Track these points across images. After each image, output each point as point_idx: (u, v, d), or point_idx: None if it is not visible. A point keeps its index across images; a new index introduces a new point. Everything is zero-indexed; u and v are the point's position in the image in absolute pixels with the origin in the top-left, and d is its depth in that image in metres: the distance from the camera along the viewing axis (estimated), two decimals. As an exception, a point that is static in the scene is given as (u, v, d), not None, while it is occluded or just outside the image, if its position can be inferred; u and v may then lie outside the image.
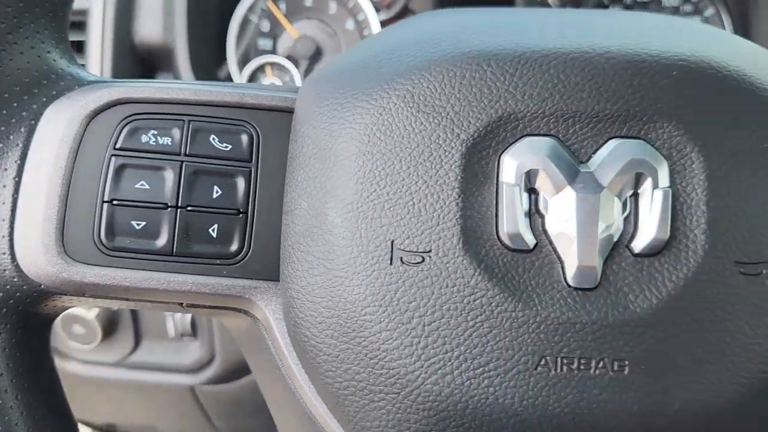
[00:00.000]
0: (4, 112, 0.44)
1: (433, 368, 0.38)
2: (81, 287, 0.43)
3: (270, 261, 0.44)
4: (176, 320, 0.91)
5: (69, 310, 0.91)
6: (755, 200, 0.39)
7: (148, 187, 0.43)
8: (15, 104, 0.44)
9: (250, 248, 0.44)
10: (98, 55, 0.85)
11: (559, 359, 0.38)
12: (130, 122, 0.44)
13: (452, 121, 0.40)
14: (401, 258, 0.39)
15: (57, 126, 0.44)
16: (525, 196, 0.39)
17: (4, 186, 0.43)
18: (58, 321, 0.93)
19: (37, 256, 0.43)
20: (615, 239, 0.39)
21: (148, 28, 0.88)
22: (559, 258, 0.39)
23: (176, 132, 0.44)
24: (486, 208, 0.39)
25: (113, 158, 0.44)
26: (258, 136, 0.45)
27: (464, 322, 0.38)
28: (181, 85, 0.45)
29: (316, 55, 0.95)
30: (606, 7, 0.93)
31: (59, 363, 0.96)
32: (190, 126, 0.44)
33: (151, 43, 0.88)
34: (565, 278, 0.39)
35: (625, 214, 0.39)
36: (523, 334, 0.38)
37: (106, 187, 0.43)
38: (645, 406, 0.38)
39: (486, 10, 0.48)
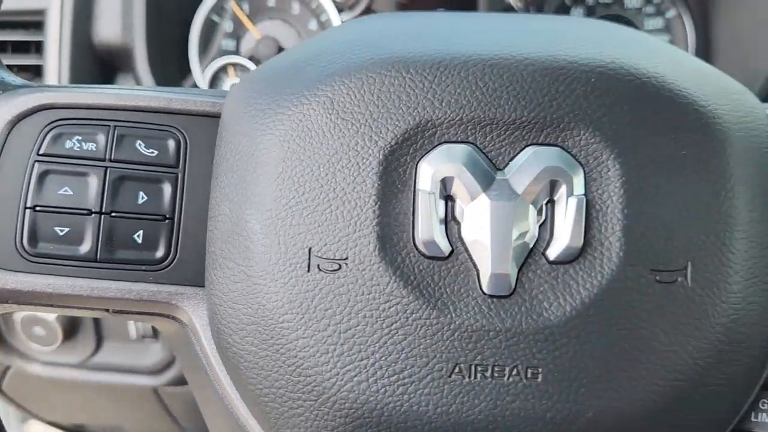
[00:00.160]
0: None
1: (348, 375, 0.38)
2: (3, 294, 0.43)
3: (197, 267, 0.44)
4: (137, 322, 0.91)
5: (30, 312, 0.91)
6: (672, 207, 0.39)
7: (71, 193, 0.43)
8: None
9: (176, 254, 0.44)
10: (56, 56, 0.84)
11: (473, 366, 0.38)
12: (54, 128, 0.44)
13: (370, 127, 0.40)
14: (318, 265, 0.39)
15: None
16: (441, 203, 0.39)
17: None
18: (18, 322, 0.93)
19: None
20: (530, 246, 0.39)
21: (107, 29, 0.87)
22: (475, 265, 0.39)
23: (101, 137, 0.44)
24: (403, 216, 0.39)
25: (36, 164, 0.43)
26: (185, 141, 0.45)
27: (379, 330, 0.38)
28: (107, 90, 0.45)
29: (279, 56, 0.94)
30: (568, 9, 0.93)
31: (22, 365, 0.96)
32: (116, 131, 0.44)
33: (110, 43, 0.87)
34: (480, 285, 0.39)
35: (541, 221, 0.39)
36: (438, 342, 0.38)
37: (28, 193, 0.43)
38: (558, 413, 0.38)
39: (419, 15, 0.48)
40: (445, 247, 0.39)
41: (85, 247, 0.43)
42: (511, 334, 0.38)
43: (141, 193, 0.44)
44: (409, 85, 0.40)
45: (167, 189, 0.44)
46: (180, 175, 0.44)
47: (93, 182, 0.43)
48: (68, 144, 0.44)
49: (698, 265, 0.39)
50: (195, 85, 0.94)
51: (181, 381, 0.96)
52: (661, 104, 0.40)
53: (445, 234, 0.39)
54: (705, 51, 0.92)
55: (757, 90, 0.80)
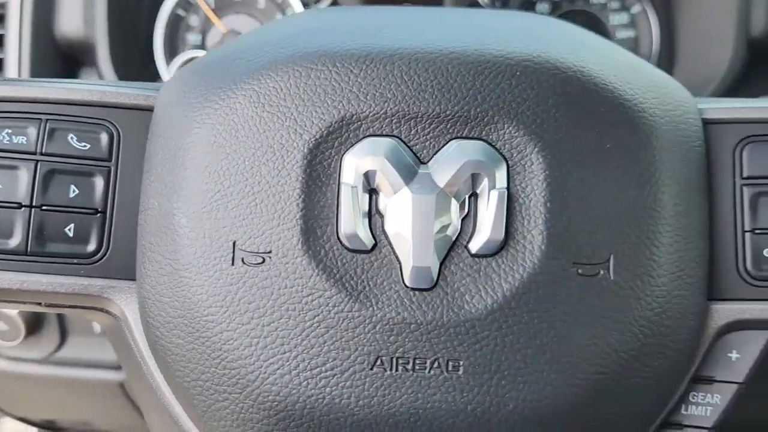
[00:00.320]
0: None
1: (271, 368, 0.39)
2: None
3: (128, 260, 0.44)
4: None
5: (-7, 307, 0.90)
6: (596, 201, 0.39)
7: (1, 186, 0.43)
8: None
9: (108, 248, 0.44)
10: (16, 50, 0.84)
11: (394, 359, 0.38)
12: None
13: (295, 121, 0.40)
14: (242, 259, 0.39)
15: None
16: (365, 197, 0.39)
17: None
18: (-20, 317, 0.93)
19: None
20: (453, 239, 0.39)
21: (68, 22, 0.87)
22: (397, 258, 0.39)
23: (32, 131, 0.44)
24: (327, 209, 0.39)
25: None
26: (119, 135, 0.44)
27: (302, 323, 0.38)
28: (40, 84, 0.45)
29: (244, 50, 0.94)
30: (533, 4, 0.93)
31: (-15, 360, 0.95)
32: (47, 125, 0.44)
33: (71, 37, 0.87)
34: (402, 278, 0.39)
35: (464, 214, 0.39)
36: (360, 335, 0.38)
37: None
38: (478, 406, 0.38)
39: (357, 9, 0.48)
40: (367, 240, 0.39)
41: (15, 241, 0.43)
42: (432, 326, 0.38)
43: (72, 187, 0.43)
44: (335, 78, 0.40)
45: (99, 183, 0.44)
46: (113, 169, 0.44)
47: (23, 175, 0.43)
48: None
49: (621, 259, 0.39)
50: (160, 80, 0.94)
51: (146, 376, 0.96)
52: (586, 98, 0.40)
53: (368, 227, 0.39)
54: (669, 45, 0.92)
55: (717, 83, 0.80)
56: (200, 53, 0.94)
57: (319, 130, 0.39)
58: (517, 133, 0.39)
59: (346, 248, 0.39)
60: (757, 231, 0.42)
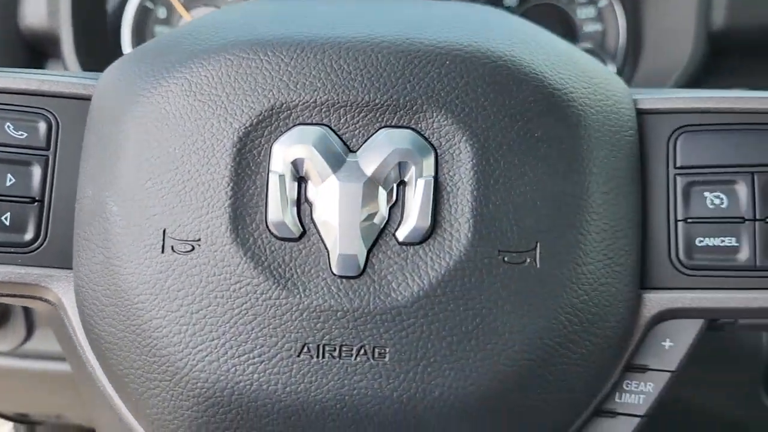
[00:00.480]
0: None
1: (200, 355, 0.39)
2: None
3: (67, 249, 0.44)
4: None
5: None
6: (523, 189, 0.39)
7: None
8: None
9: (46, 237, 0.44)
10: (-21, 41, 0.84)
11: (321, 346, 0.38)
12: None
13: (226, 109, 0.40)
14: (172, 246, 0.39)
15: None
16: (294, 185, 0.39)
17: None
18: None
19: None
20: (380, 227, 0.39)
21: (33, 13, 0.86)
22: (325, 246, 0.39)
23: None
24: (256, 197, 0.39)
25: None
26: (57, 123, 0.45)
27: (230, 310, 0.39)
28: None
29: (211, 43, 0.94)
30: (500, -3, 0.94)
31: (-48, 353, 0.95)
32: None
33: (35, 29, 0.86)
34: (330, 266, 0.39)
35: (392, 203, 0.40)
36: (287, 322, 0.38)
37: None
38: (404, 392, 0.38)
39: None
40: (295, 228, 0.39)
41: None
42: (358, 314, 0.38)
43: (9, 176, 0.44)
44: (265, 67, 0.40)
45: (37, 172, 0.44)
46: (51, 158, 0.44)
47: None
48: None
49: (547, 247, 0.39)
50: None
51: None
52: (515, 87, 0.40)
53: (296, 215, 0.39)
54: (635, 39, 0.93)
55: (677, 76, 0.80)
56: (168, 46, 0.94)
57: (249, 118, 0.40)
58: (445, 122, 0.39)
59: (275, 236, 0.39)
60: (689, 220, 0.43)
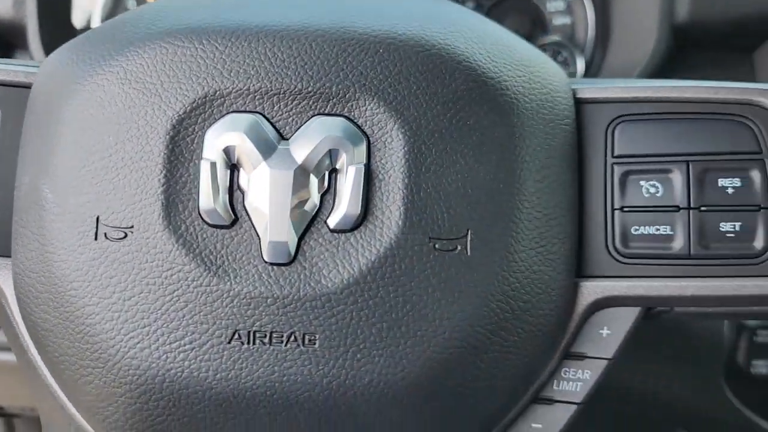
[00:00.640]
0: None
1: (132, 342, 0.39)
2: None
3: (6, 237, 0.44)
4: None
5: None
6: (454, 177, 0.39)
7: None
8: None
9: None
10: (-55, 31, 0.83)
11: (251, 333, 0.38)
12: None
13: (160, 97, 0.40)
14: (105, 233, 0.39)
15: None
16: (226, 172, 0.40)
17: None
18: None
19: None
20: (312, 215, 0.39)
21: (-2, 3, 0.86)
22: (257, 233, 0.39)
23: None
24: (189, 185, 0.40)
25: None
26: None
27: (162, 297, 0.39)
28: None
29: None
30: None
31: None
32: None
33: (1, 18, 0.86)
34: (261, 253, 0.39)
35: (324, 190, 0.40)
36: (217, 309, 0.38)
37: None
38: (334, 379, 0.38)
39: None
40: (226, 215, 0.39)
41: None
42: (288, 301, 0.38)
43: None
44: (200, 55, 0.40)
45: None
46: None
47: None
48: None
49: (478, 234, 0.39)
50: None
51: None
52: (448, 75, 0.40)
53: (228, 202, 0.39)
54: (604, 32, 0.93)
55: (641, 69, 0.81)
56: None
57: (182, 106, 0.40)
58: (378, 110, 0.40)
59: (207, 223, 0.39)
60: (625, 209, 0.43)
